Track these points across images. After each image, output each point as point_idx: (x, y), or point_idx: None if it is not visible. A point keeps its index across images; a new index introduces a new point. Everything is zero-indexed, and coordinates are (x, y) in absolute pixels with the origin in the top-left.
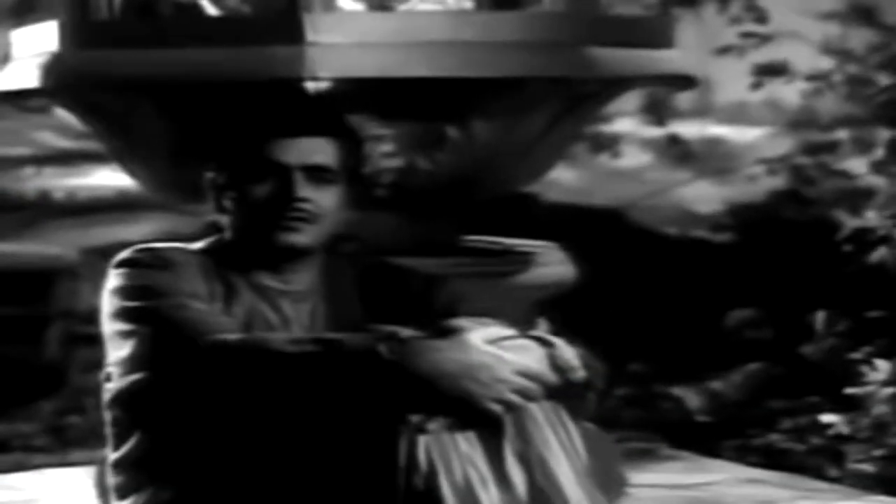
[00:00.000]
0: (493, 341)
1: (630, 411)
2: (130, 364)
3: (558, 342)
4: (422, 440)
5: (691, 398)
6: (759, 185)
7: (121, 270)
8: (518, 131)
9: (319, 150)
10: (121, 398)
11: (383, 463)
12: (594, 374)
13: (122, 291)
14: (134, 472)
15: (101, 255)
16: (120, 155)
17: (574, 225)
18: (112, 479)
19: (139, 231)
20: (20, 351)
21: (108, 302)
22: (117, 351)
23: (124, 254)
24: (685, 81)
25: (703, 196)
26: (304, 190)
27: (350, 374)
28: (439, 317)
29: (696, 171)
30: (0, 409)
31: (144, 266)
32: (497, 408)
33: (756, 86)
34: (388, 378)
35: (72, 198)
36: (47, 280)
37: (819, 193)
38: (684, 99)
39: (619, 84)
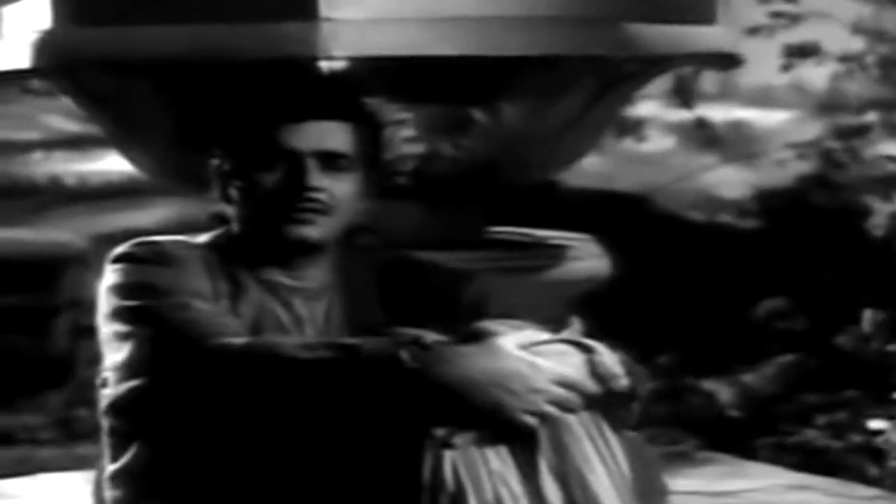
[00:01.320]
0: (527, 346)
1: (659, 406)
2: (128, 369)
3: (598, 347)
4: (448, 456)
5: (722, 392)
6: (786, 170)
7: (117, 266)
8: (550, 114)
9: (334, 135)
10: (117, 406)
11: (406, 481)
12: (637, 382)
13: (119, 289)
14: (132, 486)
15: (112, 243)
16: (119, 140)
17: (596, 211)
18: (109, 493)
19: (152, 217)
20: (27, 341)
21: (104, 301)
22: (114, 354)
23: (121, 248)
24: (728, 60)
25: (729, 181)
26: (318, 178)
27: (369, 383)
28: (465, 316)
29: (722, 156)
30: (7, 401)
31: (143, 261)
32: (531, 420)
33: (786, 67)
34: (411, 388)
35: (83, 183)
36: (55, 268)
37: (849, 178)
38: (708, 81)
39: (658, 63)
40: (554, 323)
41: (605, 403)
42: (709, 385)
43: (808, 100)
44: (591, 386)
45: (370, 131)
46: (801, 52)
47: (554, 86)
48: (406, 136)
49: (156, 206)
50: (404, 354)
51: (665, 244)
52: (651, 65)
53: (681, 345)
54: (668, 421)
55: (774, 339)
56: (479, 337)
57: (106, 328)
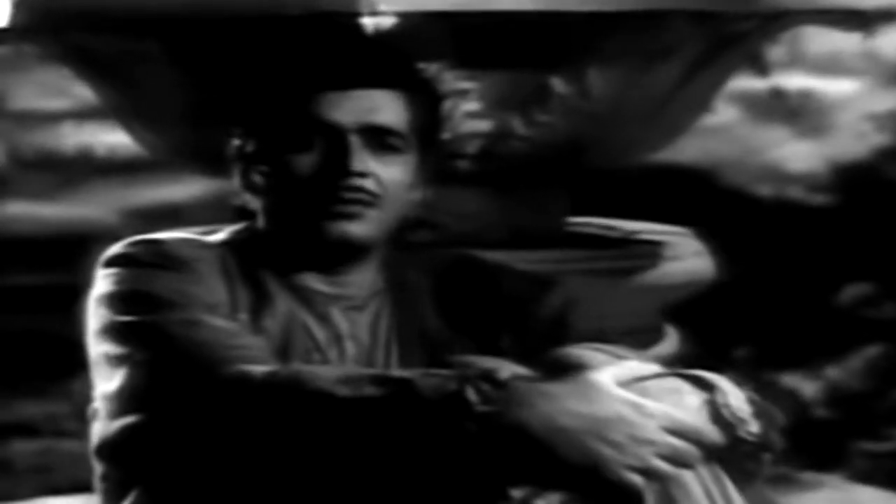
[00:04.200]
0: (631, 382)
1: None
2: (121, 401)
3: (721, 382)
4: None
5: (805, 388)
6: (860, 142)
7: (110, 271)
8: (647, 83)
9: (383, 108)
10: (107, 447)
11: None
12: (770, 427)
13: (112, 300)
14: None
15: (145, 218)
16: (122, 113)
17: (658, 185)
18: None
19: (186, 191)
20: (52, 323)
21: (93, 314)
22: (105, 382)
23: (116, 248)
24: (857, 19)
25: (798, 153)
26: (363, 161)
27: (426, 429)
28: (545, 334)
29: (791, 127)
30: (31, 387)
31: (143, 265)
32: (637, 478)
33: (870, 33)
34: (481, 437)
35: (114, 155)
36: (82, 246)
37: None
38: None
39: (776, 21)
40: (647, 334)
41: (729, 454)
42: (790, 380)
43: (881, 67)
44: (713, 434)
45: (426, 104)
46: (887, 17)
47: (652, 48)
48: (470, 109)
49: (191, 180)
50: (471, 393)
51: (733, 222)
52: (769, 23)
53: (757, 336)
54: None
55: (861, 328)
56: (566, 369)
57: (96, 348)
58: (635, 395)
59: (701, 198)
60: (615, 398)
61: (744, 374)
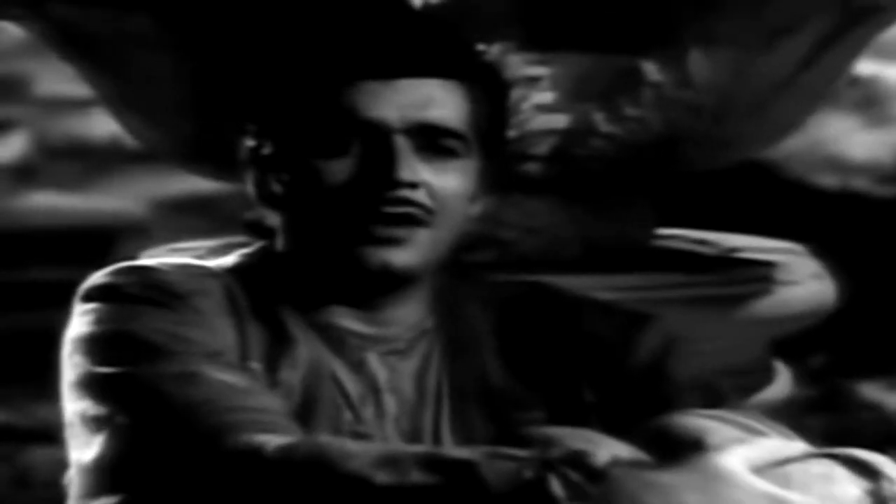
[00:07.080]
0: (769, 467)
1: (813, 420)
2: (99, 476)
3: (888, 468)
4: None
5: (889, 400)
6: None
7: (90, 307)
8: (763, 67)
9: (435, 101)
10: None
11: None
12: None
13: (91, 345)
14: None
15: (174, 210)
16: (113, 102)
17: (715, 179)
18: None
19: (220, 182)
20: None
21: (68, 361)
22: (81, 449)
23: (97, 277)
24: None
25: (864, 142)
26: (412, 167)
27: None
28: (639, 387)
29: (858, 115)
30: (50, 389)
31: (130, 300)
32: None
33: None
34: None
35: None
36: (109, 239)
37: None
38: None
39: None
40: (753, 375)
41: None
42: (870, 391)
43: None
44: None
45: (489, 95)
46: None
47: (771, 25)
48: (542, 101)
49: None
50: (556, 485)
51: (800, 217)
52: None
53: (833, 343)
54: (826, 438)
55: None
56: (681, 448)
57: (71, 405)
58: (775, 484)
59: (766, 191)
60: (749, 490)
61: (820, 385)
